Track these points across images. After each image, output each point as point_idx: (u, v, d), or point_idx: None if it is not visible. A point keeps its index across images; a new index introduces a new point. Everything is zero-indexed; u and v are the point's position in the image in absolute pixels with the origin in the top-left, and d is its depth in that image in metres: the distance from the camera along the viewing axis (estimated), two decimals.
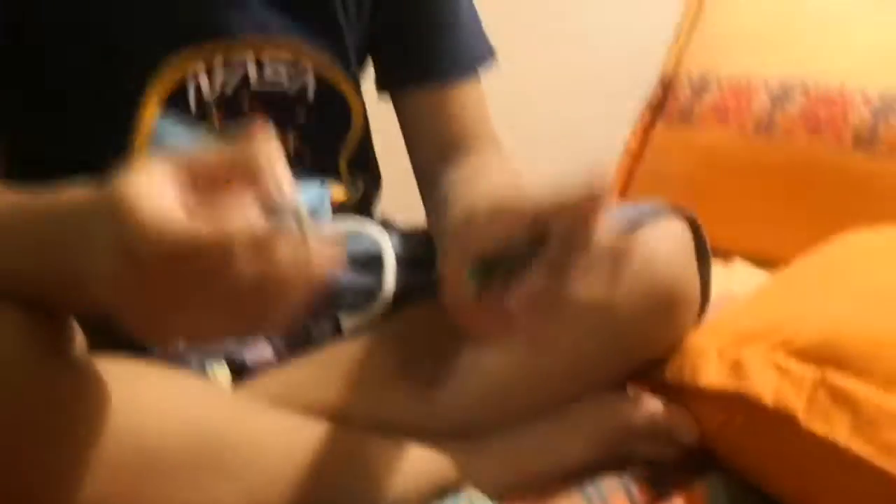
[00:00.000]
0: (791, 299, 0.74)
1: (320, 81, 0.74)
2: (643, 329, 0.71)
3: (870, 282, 0.71)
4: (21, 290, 0.50)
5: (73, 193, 0.48)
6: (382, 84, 0.82)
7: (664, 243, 0.72)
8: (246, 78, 0.71)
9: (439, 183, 0.75)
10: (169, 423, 0.56)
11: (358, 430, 0.66)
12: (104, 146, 0.67)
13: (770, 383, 0.64)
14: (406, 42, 0.79)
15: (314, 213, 0.75)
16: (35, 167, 0.66)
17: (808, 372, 0.63)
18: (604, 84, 1.61)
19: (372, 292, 0.72)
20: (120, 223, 0.40)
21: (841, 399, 0.60)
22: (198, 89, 0.70)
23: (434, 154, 0.78)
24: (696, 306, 0.74)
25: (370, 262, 0.73)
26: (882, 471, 0.55)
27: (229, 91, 0.71)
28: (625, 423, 0.72)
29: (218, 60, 0.69)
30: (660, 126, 1.52)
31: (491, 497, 0.67)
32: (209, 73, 0.69)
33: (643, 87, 1.58)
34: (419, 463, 0.67)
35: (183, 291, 0.41)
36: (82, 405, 0.52)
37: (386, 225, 0.82)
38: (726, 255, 1.41)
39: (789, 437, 0.62)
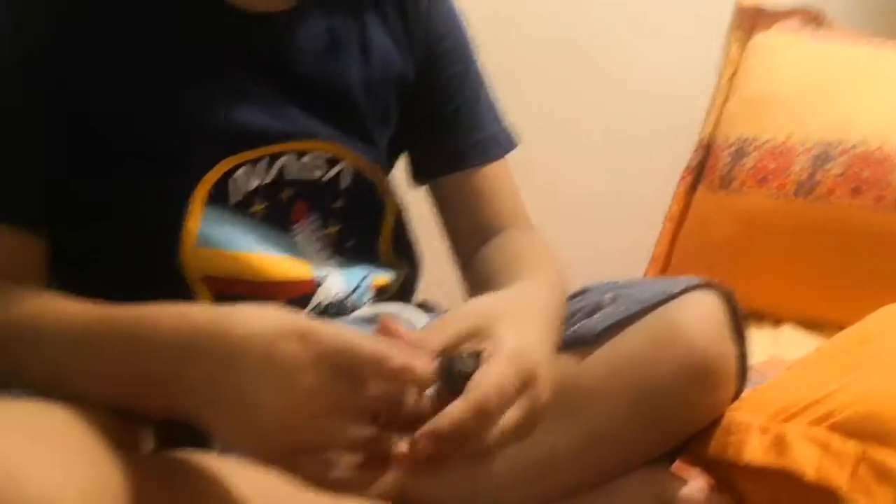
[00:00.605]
0: (832, 372, 0.74)
1: (355, 170, 0.78)
2: (681, 401, 0.72)
3: None
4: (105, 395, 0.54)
5: (178, 321, 0.52)
6: (416, 175, 0.86)
7: (697, 314, 0.73)
8: (284, 168, 0.75)
9: (475, 261, 0.78)
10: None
11: None
12: (151, 246, 0.71)
13: (812, 459, 0.65)
14: (436, 134, 0.84)
15: (354, 302, 0.78)
16: (79, 270, 0.70)
17: (849, 447, 0.64)
18: (644, 148, 1.62)
19: None
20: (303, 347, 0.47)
21: (883, 474, 0.60)
22: (242, 180, 0.73)
23: (471, 236, 0.83)
24: (734, 378, 0.74)
25: None
26: None
27: (270, 180, 0.74)
28: (667, 499, 0.73)
29: (261, 156, 0.73)
30: (701, 190, 1.54)
31: None
32: (250, 164, 0.73)
33: (683, 152, 1.60)
34: None
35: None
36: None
37: (425, 307, 0.84)
38: (776, 320, 1.41)
39: None
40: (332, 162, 0.77)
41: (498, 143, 0.85)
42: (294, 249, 0.76)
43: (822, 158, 1.36)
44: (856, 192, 1.32)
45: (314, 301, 0.76)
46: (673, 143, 1.60)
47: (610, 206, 1.62)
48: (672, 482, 0.74)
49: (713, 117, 1.57)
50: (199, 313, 0.53)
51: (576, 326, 0.72)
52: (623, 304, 0.74)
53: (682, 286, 0.74)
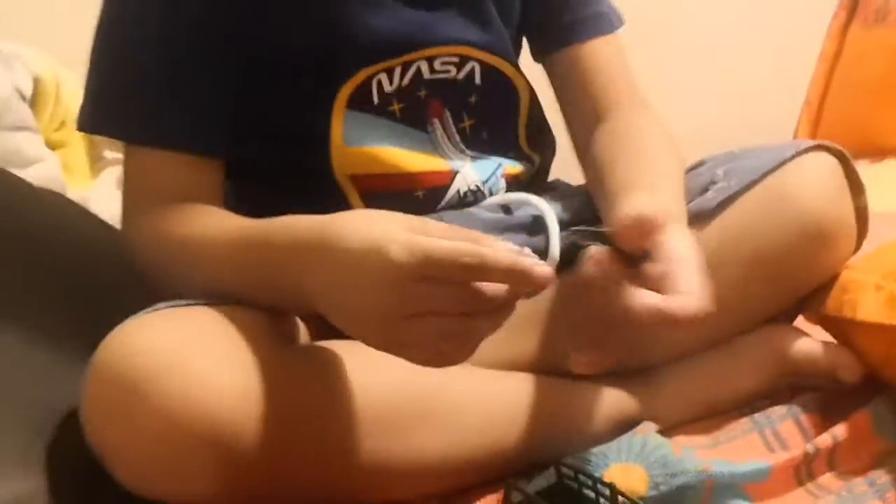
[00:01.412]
0: None
1: (485, 68, 0.83)
2: (796, 263, 0.75)
3: None
4: (254, 300, 0.64)
5: (308, 227, 0.59)
6: (537, 53, 0.89)
7: (809, 177, 0.76)
8: (419, 71, 0.80)
9: (591, 143, 0.82)
10: (386, 387, 0.65)
11: (546, 380, 0.74)
12: (307, 145, 0.78)
13: None
14: (550, 10, 0.87)
15: (488, 189, 0.84)
16: (248, 176, 0.79)
17: None
18: None
19: (542, 255, 0.80)
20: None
21: None
22: (379, 85, 0.79)
23: (585, 112, 0.86)
24: (850, 236, 0.77)
25: (539, 228, 0.81)
26: None
27: (406, 82, 0.80)
28: (789, 354, 0.77)
29: (396, 64, 0.79)
30: (854, 27, 1.49)
31: (667, 428, 0.75)
32: (388, 73, 0.79)
33: None
34: (605, 403, 0.74)
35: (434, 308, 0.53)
36: (323, 377, 0.63)
37: (554, 188, 0.89)
38: None
39: None
40: (463, 61, 0.81)
41: (608, 20, 0.87)
42: (430, 144, 0.82)
43: None
44: None
45: (451, 191, 0.82)
46: None
47: (762, 49, 1.60)
48: (792, 337, 0.78)
49: None
50: (306, 229, 0.59)
51: (691, 204, 0.76)
52: (735, 176, 0.76)
53: (792, 150, 0.76)
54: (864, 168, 1.35)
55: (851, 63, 1.49)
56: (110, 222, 1.08)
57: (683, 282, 0.58)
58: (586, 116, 0.86)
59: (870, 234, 0.88)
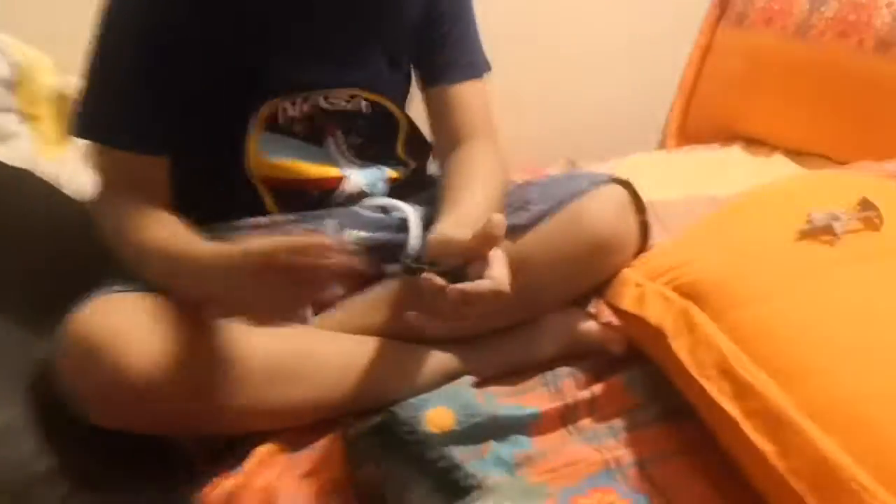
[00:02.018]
0: (696, 244, 0.98)
1: (371, 102, 1.06)
2: (585, 265, 1.01)
3: (742, 234, 0.96)
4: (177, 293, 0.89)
5: (214, 249, 0.85)
6: (419, 83, 1.12)
7: (597, 203, 1.01)
8: (317, 102, 1.04)
9: (445, 164, 1.06)
10: (266, 352, 0.90)
11: (392, 343, 0.99)
12: (230, 154, 1.03)
13: (656, 310, 0.92)
14: (432, 57, 1.09)
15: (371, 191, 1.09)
16: (187, 169, 1.02)
17: (678, 304, 0.90)
18: None
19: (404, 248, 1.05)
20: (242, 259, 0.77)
21: (690, 325, 0.87)
22: (285, 111, 1.03)
23: (447, 139, 1.09)
24: (633, 245, 1.03)
25: (405, 227, 1.06)
26: (691, 377, 0.84)
27: (306, 110, 1.04)
28: (576, 330, 1.03)
29: (301, 98, 1.03)
30: (722, 26, 1.70)
31: (483, 381, 1.01)
32: (293, 103, 1.03)
33: None
34: (435, 361, 1.00)
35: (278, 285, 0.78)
36: (218, 347, 0.89)
37: (431, 184, 1.12)
38: (771, 148, 1.62)
39: (664, 346, 0.90)
40: (353, 97, 1.05)
41: (478, 67, 1.11)
42: (326, 157, 1.06)
43: (819, 1, 1.50)
44: (842, 35, 1.46)
45: (339, 191, 1.07)
46: None
47: (645, 40, 1.79)
48: (579, 318, 1.04)
49: None
50: (216, 254, 0.84)
51: (512, 219, 1.00)
52: (545, 201, 1.01)
53: (587, 183, 1.01)
54: (713, 152, 1.61)
55: (718, 57, 1.71)
56: (78, 189, 1.33)
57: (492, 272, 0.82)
58: (447, 141, 1.09)
59: (696, 214, 1.15)
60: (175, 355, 0.85)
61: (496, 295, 0.82)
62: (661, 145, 1.85)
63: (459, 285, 0.81)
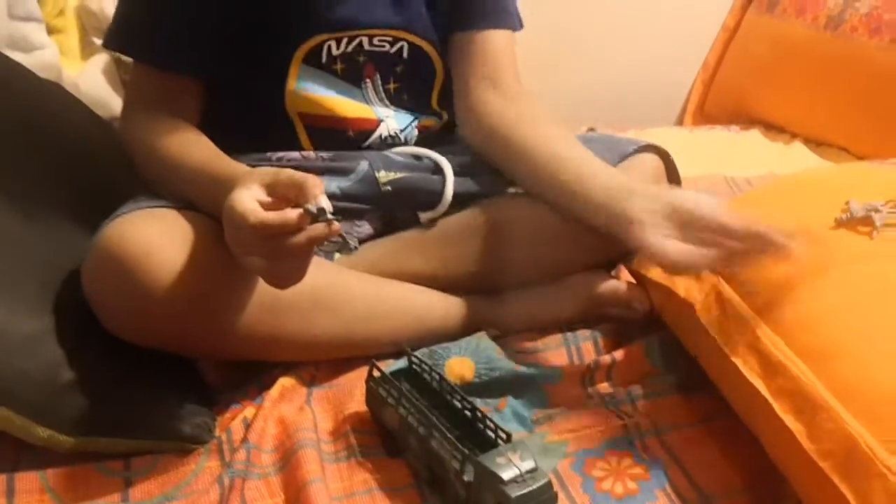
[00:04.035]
0: None
1: (412, 47, 1.06)
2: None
3: (780, 215, 0.96)
4: (203, 208, 0.89)
5: (227, 172, 0.84)
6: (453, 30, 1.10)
7: (638, 171, 1.01)
8: (360, 43, 1.03)
9: (484, 116, 1.06)
10: None
11: (418, 289, 1.00)
12: (270, 85, 1.02)
13: (685, 283, 0.94)
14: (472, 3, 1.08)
15: (405, 137, 1.09)
16: (224, 99, 1.02)
17: (709, 278, 0.92)
18: None
19: (439, 195, 1.06)
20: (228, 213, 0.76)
21: (720, 300, 0.89)
22: (328, 49, 1.02)
23: (481, 79, 1.07)
24: None
25: (439, 171, 1.07)
26: (720, 350, 0.85)
27: (349, 50, 1.03)
28: (599, 291, 1.04)
29: (347, 37, 1.02)
30: (751, 9, 1.71)
31: (505, 335, 1.02)
32: (336, 41, 1.02)
33: None
34: (460, 309, 1.01)
35: (256, 246, 0.77)
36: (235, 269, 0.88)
37: (457, 141, 1.12)
38: (791, 135, 1.64)
39: (690, 318, 0.91)
40: (395, 41, 1.04)
41: (510, 18, 1.10)
42: (363, 98, 1.06)
43: None
44: (875, 31, 1.48)
45: (375, 134, 1.07)
46: None
47: (671, 15, 1.80)
48: (603, 279, 1.05)
49: None
50: (230, 177, 0.82)
51: None
52: None
53: (632, 147, 1.03)
54: (732, 133, 1.62)
55: (744, 40, 1.72)
56: (97, 101, 1.32)
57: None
58: (480, 83, 1.07)
59: (714, 193, 1.17)
60: (202, 276, 0.85)
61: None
62: (679, 121, 1.86)
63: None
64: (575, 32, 1.77)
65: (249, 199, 0.75)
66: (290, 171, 0.78)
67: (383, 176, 1.03)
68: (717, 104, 1.77)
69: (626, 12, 1.76)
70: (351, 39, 1.03)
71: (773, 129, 1.63)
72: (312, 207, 0.74)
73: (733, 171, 1.47)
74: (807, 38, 1.55)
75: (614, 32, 1.78)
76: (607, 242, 1.00)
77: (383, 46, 1.04)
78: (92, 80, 1.37)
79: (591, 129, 1.65)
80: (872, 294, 0.79)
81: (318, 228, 0.74)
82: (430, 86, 1.11)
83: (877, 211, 0.84)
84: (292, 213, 0.74)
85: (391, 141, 1.08)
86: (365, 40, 1.03)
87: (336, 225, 0.75)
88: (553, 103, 1.63)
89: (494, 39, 1.08)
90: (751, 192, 1.09)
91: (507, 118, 1.05)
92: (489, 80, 1.08)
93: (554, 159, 0.99)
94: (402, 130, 1.08)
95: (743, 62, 1.71)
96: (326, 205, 0.74)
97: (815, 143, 1.58)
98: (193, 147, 0.93)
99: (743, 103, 1.70)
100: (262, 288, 0.87)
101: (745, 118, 1.69)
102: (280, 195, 0.76)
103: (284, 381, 0.93)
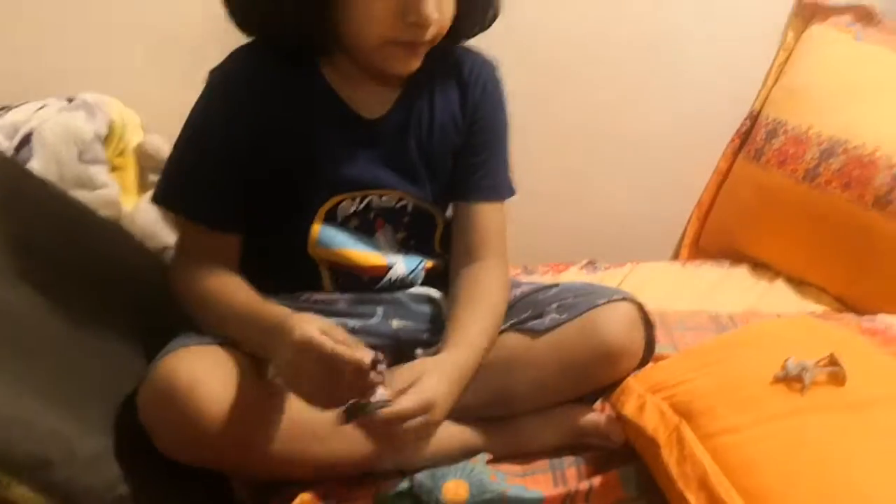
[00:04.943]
0: (695, 365, 1.13)
1: (415, 204, 1.22)
2: (593, 371, 1.17)
3: (732, 367, 1.11)
4: (243, 347, 1.05)
5: (275, 315, 1.00)
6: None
7: (611, 318, 1.16)
8: (370, 201, 1.19)
9: (454, 279, 1.21)
10: (311, 410, 1.05)
11: None
12: (295, 240, 1.18)
13: (653, 421, 1.07)
14: (462, 174, 1.24)
15: (413, 278, 1.25)
16: (256, 250, 1.18)
17: (673, 419, 1.06)
18: (704, 111, 1.93)
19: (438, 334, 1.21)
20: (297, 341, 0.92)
21: (680, 440, 1.03)
22: (344, 208, 1.18)
23: (462, 253, 1.23)
24: (637, 357, 1.18)
25: (438, 318, 1.23)
26: (676, 486, 0.99)
27: (361, 208, 1.19)
28: (581, 422, 1.18)
29: (357, 196, 1.19)
30: (741, 156, 1.87)
31: (497, 459, 1.16)
32: (350, 199, 1.18)
33: (737, 117, 1.91)
34: (457, 434, 1.15)
35: (315, 376, 0.93)
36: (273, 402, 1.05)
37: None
38: (774, 273, 1.78)
39: (656, 454, 1.05)
40: (400, 198, 1.21)
41: (500, 191, 1.25)
42: (375, 247, 1.21)
43: (828, 153, 1.66)
44: (846, 186, 1.62)
45: (387, 277, 1.22)
46: (730, 110, 1.92)
47: (669, 157, 1.95)
48: (585, 412, 1.19)
49: (763, 95, 1.87)
50: (274, 318, 0.99)
51: (532, 322, 1.17)
52: (565, 311, 1.17)
53: (604, 299, 1.17)
54: (723, 269, 1.77)
55: (734, 183, 1.86)
56: (149, 233, 1.50)
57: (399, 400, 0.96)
58: (461, 253, 1.23)
59: (698, 328, 1.35)
60: (241, 408, 0.99)
61: (423, 408, 0.97)
62: (676, 254, 2.00)
63: (384, 410, 0.95)
64: (578, 170, 1.93)
65: (318, 332, 0.92)
66: (342, 330, 0.95)
67: (395, 323, 1.19)
68: (710, 240, 1.92)
69: (627, 154, 1.92)
70: (362, 198, 1.19)
71: (759, 266, 1.77)
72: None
73: (719, 306, 1.62)
74: (787, 188, 1.69)
75: (615, 171, 1.94)
76: (588, 380, 1.16)
77: (391, 203, 1.21)
78: (145, 214, 1.54)
79: (591, 262, 1.81)
80: (798, 444, 0.93)
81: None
82: (431, 233, 1.26)
83: (806, 370, 0.99)
84: (367, 356, 0.91)
85: (400, 283, 1.24)
86: (374, 198, 1.19)
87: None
88: (558, 237, 1.82)
89: (484, 211, 1.23)
90: (710, 342, 1.23)
91: (462, 279, 1.21)
92: (467, 251, 1.23)
93: (449, 316, 1.16)
94: (410, 273, 1.24)
95: (733, 203, 1.85)
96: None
97: (796, 282, 1.71)
98: (240, 294, 1.08)
99: (733, 241, 1.83)
100: (290, 418, 1.03)
101: (735, 255, 1.82)
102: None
103: (304, 497, 1.07)
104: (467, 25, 1.16)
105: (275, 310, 1.03)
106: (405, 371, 1.02)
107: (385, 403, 0.94)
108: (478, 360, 1.10)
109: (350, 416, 0.94)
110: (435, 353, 1.09)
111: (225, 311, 1.08)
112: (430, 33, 1.07)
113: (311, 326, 0.94)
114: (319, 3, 1.06)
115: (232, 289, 1.10)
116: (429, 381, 1.00)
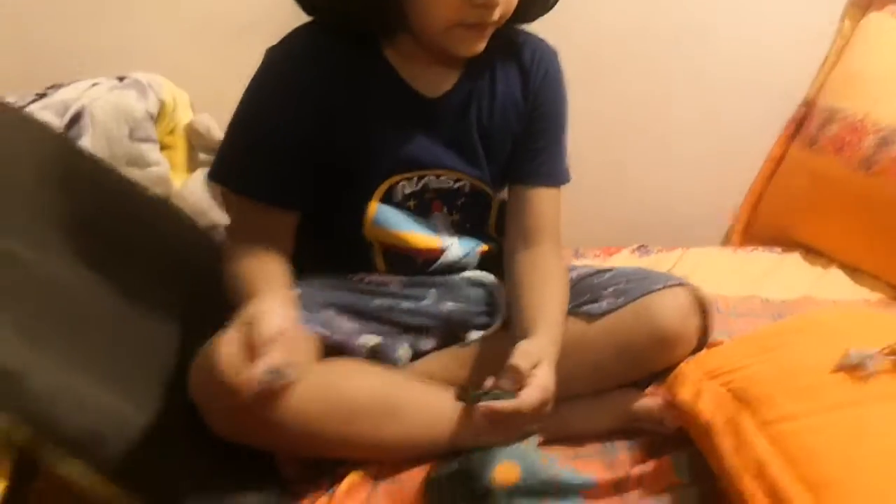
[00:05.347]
0: (750, 352, 1.11)
1: (472, 184, 1.21)
2: (648, 356, 1.15)
3: (791, 354, 1.09)
4: None
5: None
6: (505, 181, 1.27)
7: (666, 303, 1.15)
8: (427, 182, 1.19)
9: (512, 263, 1.21)
10: (362, 390, 1.06)
11: None
12: (351, 219, 1.18)
13: (709, 408, 1.06)
14: (521, 159, 1.23)
15: (467, 261, 1.24)
16: (312, 230, 1.18)
17: (730, 407, 1.04)
18: (757, 99, 1.91)
19: (492, 317, 1.21)
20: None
21: (736, 429, 1.01)
22: (402, 188, 1.18)
23: (518, 236, 1.23)
24: (691, 344, 1.17)
25: (490, 301, 1.22)
26: (732, 472, 0.97)
27: (419, 189, 1.19)
28: (634, 407, 1.17)
29: (414, 176, 1.18)
30: (795, 143, 1.84)
31: (550, 441, 1.14)
32: (407, 180, 1.18)
33: (792, 104, 1.89)
34: None
35: None
36: (326, 383, 1.03)
37: None
38: (828, 261, 1.75)
39: (712, 441, 1.03)
40: (457, 179, 1.20)
41: (557, 177, 1.25)
42: (431, 228, 1.21)
43: (885, 141, 1.62)
44: None
45: (442, 259, 1.22)
46: (784, 97, 1.90)
47: (721, 145, 1.94)
48: (638, 397, 1.18)
49: (819, 82, 1.84)
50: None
51: (588, 306, 1.16)
52: (621, 295, 1.16)
53: (661, 283, 1.15)
54: (775, 255, 1.74)
55: (788, 170, 1.83)
56: (198, 210, 1.50)
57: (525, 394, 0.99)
58: (517, 238, 1.23)
59: (751, 314, 1.33)
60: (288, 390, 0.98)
61: (545, 402, 1.01)
62: (727, 240, 1.98)
63: (488, 404, 1.00)
64: (630, 157, 1.93)
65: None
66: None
67: (448, 305, 1.19)
68: (761, 226, 1.89)
69: (679, 142, 1.90)
70: (420, 178, 1.18)
71: (812, 252, 1.75)
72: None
73: (771, 293, 1.59)
74: (843, 175, 1.66)
75: (668, 157, 1.93)
76: (642, 365, 1.14)
77: (448, 183, 1.20)
78: (195, 191, 1.55)
79: (643, 246, 1.79)
80: (861, 434, 0.91)
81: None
82: (487, 217, 1.26)
83: (870, 358, 0.97)
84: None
85: (455, 266, 1.23)
86: (432, 178, 1.19)
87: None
88: (609, 221, 1.81)
89: (541, 197, 1.23)
90: (767, 328, 1.21)
91: (521, 264, 1.21)
92: (524, 235, 1.23)
93: (519, 300, 1.16)
94: (464, 256, 1.23)
95: (786, 190, 1.82)
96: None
97: (851, 269, 1.68)
98: (267, 280, 1.07)
99: (785, 228, 1.81)
100: (336, 397, 1.03)
101: (787, 241, 1.80)
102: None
103: (353, 477, 1.06)
104: (531, 7, 1.15)
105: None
106: (518, 357, 1.03)
107: (509, 395, 0.98)
108: (562, 338, 1.11)
109: (474, 399, 0.98)
110: (514, 337, 1.08)
111: (244, 293, 1.05)
112: (497, 14, 1.06)
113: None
114: None
115: (265, 272, 1.09)
116: (544, 372, 1.02)
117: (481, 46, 1.12)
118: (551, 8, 1.17)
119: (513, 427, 1.02)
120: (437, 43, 1.11)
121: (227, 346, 0.97)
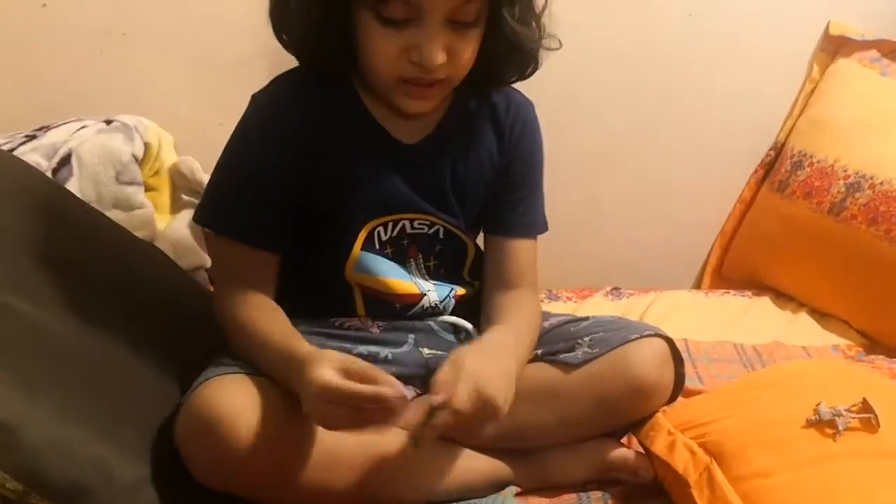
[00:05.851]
0: (723, 405, 1.14)
1: (446, 230, 1.23)
2: (624, 405, 1.17)
3: (763, 408, 1.12)
4: (271, 377, 1.06)
5: (298, 355, 1.00)
6: (484, 231, 1.29)
7: (642, 353, 1.16)
8: (404, 227, 1.21)
9: (490, 307, 1.23)
10: (336, 440, 1.04)
11: (451, 446, 1.16)
12: (333, 263, 1.19)
13: (684, 460, 1.09)
14: (498, 210, 1.26)
15: (444, 306, 1.26)
16: (292, 272, 1.19)
17: (703, 459, 1.07)
18: (728, 142, 1.94)
19: None
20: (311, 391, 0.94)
21: (710, 480, 1.04)
22: (379, 234, 1.20)
23: (495, 285, 1.26)
24: (667, 393, 1.19)
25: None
26: None
27: (395, 234, 1.21)
28: (610, 457, 1.19)
29: (390, 221, 1.20)
30: (765, 186, 1.88)
31: (525, 492, 1.17)
32: (384, 226, 1.20)
33: (762, 147, 1.93)
34: (486, 466, 1.17)
35: (341, 415, 0.95)
36: (300, 431, 1.05)
37: None
38: (798, 305, 1.78)
39: (686, 493, 1.07)
40: (432, 224, 1.22)
41: (536, 227, 1.27)
42: (408, 274, 1.23)
43: (854, 187, 1.67)
44: (872, 221, 1.63)
45: (419, 305, 1.24)
46: (753, 140, 1.94)
47: (692, 186, 1.97)
48: (614, 447, 1.20)
49: (788, 126, 1.89)
50: (300, 355, 1.00)
51: (564, 355, 1.18)
52: (597, 346, 1.18)
53: (637, 333, 1.18)
54: (746, 298, 1.78)
55: (758, 213, 1.87)
56: (182, 252, 1.52)
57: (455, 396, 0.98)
58: (495, 284, 1.25)
59: (722, 359, 1.36)
60: (274, 439, 1.00)
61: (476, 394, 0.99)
62: (698, 283, 2.01)
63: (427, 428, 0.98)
64: (598, 197, 1.96)
65: (335, 374, 0.94)
66: (361, 362, 0.96)
67: (426, 351, 1.21)
68: (732, 269, 1.93)
69: (649, 182, 1.93)
70: (395, 223, 1.20)
71: (782, 296, 1.79)
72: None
73: (743, 337, 1.63)
74: (812, 220, 1.70)
75: (636, 198, 1.96)
76: (619, 414, 1.18)
77: (423, 229, 1.22)
78: (179, 233, 1.57)
79: (616, 289, 1.82)
80: (833, 491, 0.94)
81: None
82: (462, 262, 1.28)
83: (839, 415, 1.00)
84: (387, 387, 0.93)
85: (432, 311, 1.25)
86: (407, 224, 1.21)
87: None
88: (583, 264, 1.83)
89: (521, 247, 1.26)
90: (734, 383, 1.24)
91: (498, 305, 1.24)
92: (503, 282, 1.25)
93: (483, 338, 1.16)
94: (441, 301, 1.25)
95: (756, 233, 1.86)
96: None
97: (820, 314, 1.72)
98: (272, 325, 1.10)
99: (756, 270, 1.84)
100: (320, 449, 1.04)
101: (757, 284, 1.83)
102: (354, 377, 0.94)
103: None
104: (504, 71, 1.18)
105: (299, 348, 1.03)
106: (445, 369, 1.02)
107: (442, 407, 0.97)
108: (513, 354, 1.11)
109: (416, 442, 0.98)
110: None
111: (254, 342, 1.08)
112: (441, 75, 1.08)
113: (328, 371, 0.95)
114: (339, 34, 1.08)
115: (266, 319, 1.11)
116: (469, 365, 1.01)
117: (425, 106, 1.14)
118: (528, 76, 1.19)
119: (476, 428, 1.03)
120: (386, 96, 1.13)
121: (221, 394, 1.00)
